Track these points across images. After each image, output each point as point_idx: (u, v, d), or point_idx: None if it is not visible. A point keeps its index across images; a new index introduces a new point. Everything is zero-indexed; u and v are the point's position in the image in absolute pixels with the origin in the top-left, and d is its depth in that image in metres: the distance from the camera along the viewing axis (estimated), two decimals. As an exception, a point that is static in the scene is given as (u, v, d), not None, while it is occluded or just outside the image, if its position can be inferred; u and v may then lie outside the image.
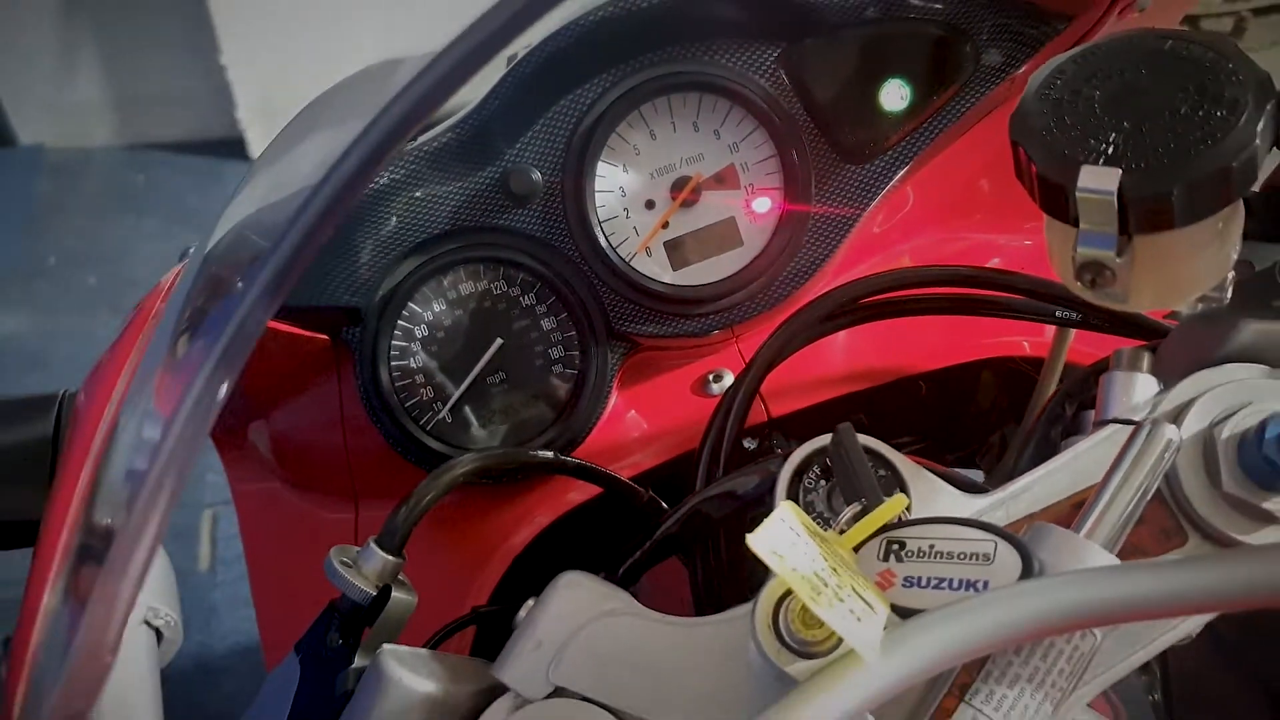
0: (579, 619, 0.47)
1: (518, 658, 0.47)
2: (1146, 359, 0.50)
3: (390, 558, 0.52)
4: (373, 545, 0.52)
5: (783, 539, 0.40)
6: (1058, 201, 0.42)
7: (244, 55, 2.77)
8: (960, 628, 0.38)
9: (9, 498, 0.52)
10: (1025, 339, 0.72)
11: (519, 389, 0.69)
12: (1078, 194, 0.40)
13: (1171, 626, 0.45)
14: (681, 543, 0.58)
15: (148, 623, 0.44)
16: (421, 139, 0.67)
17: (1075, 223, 0.42)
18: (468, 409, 0.69)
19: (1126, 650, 0.44)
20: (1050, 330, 0.68)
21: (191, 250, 0.59)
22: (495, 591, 0.68)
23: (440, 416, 0.69)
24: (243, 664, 1.93)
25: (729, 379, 0.72)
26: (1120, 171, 0.40)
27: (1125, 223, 0.41)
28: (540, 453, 0.62)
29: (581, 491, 0.69)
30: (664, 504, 0.62)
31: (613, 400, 0.71)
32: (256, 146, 2.89)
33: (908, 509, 0.48)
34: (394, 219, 0.67)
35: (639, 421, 0.72)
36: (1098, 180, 0.40)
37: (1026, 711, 0.40)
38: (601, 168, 0.68)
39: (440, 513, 0.56)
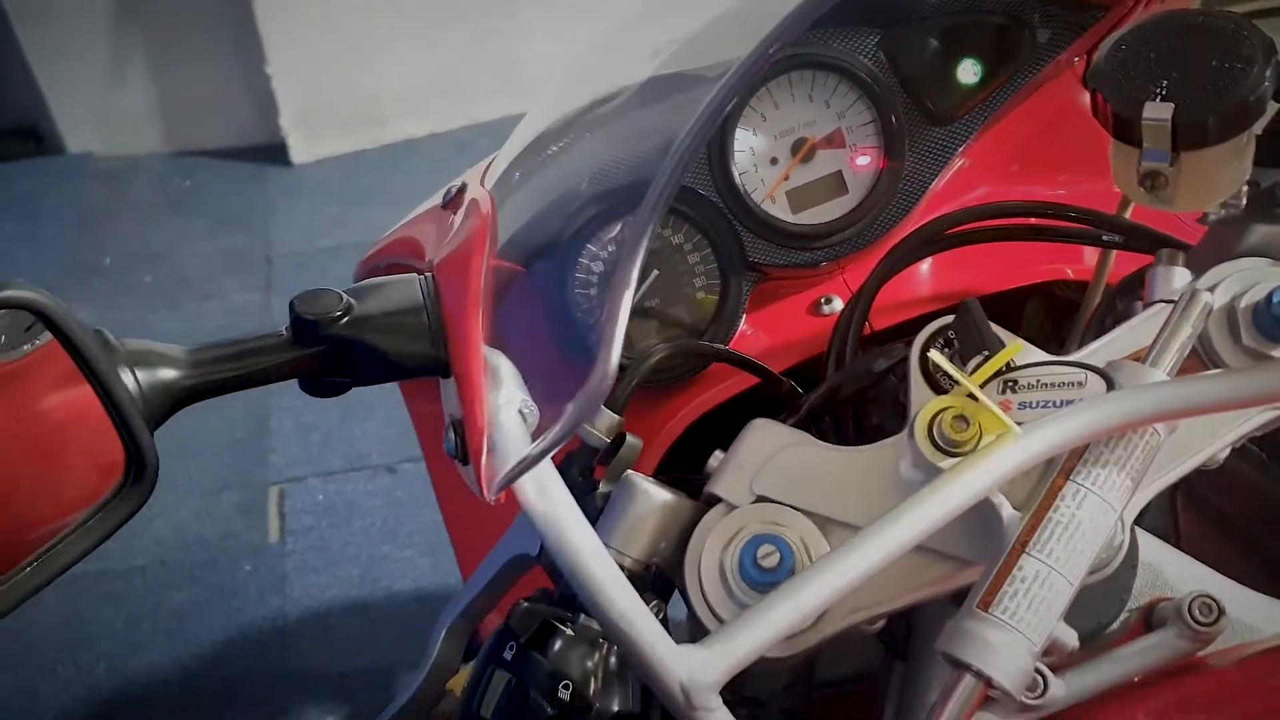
0: (773, 446, 0.64)
1: (727, 475, 0.64)
2: (1182, 256, 0.68)
3: (616, 415, 0.69)
4: (602, 407, 0.69)
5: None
6: (1127, 130, 0.59)
7: (288, 65, 2.93)
8: (1066, 424, 0.56)
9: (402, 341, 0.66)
10: (1069, 266, 0.90)
11: (672, 309, 0.87)
12: (1143, 122, 0.58)
13: (1207, 444, 0.62)
14: (822, 413, 0.76)
15: (520, 412, 0.60)
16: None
17: (1139, 144, 0.59)
18: (632, 327, 0.86)
19: (1176, 459, 0.62)
20: (1093, 257, 0.86)
21: (464, 186, 0.76)
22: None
23: None
24: (316, 626, 2.09)
25: (838, 303, 0.89)
26: (1173, 106, 0.57)
27: (1175, 143, 0.58)
28: (712, 344, 0.80)
29: (727, 388, 0.86)
30: (801, 391, 0.79)
31: (743, 323, 0.89)
32: (297, 152, 3.05)
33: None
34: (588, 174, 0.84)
35: (764, 338, 0.89)
36: (1157, 112, 0.57)
37: (1115, 487, 0.57)
38: (738, 132, 0.86)
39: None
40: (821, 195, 0.87)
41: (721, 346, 0.81)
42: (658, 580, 0.64)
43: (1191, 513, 1.01)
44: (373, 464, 2.35)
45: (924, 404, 0.59)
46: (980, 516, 0.58)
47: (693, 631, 0.62)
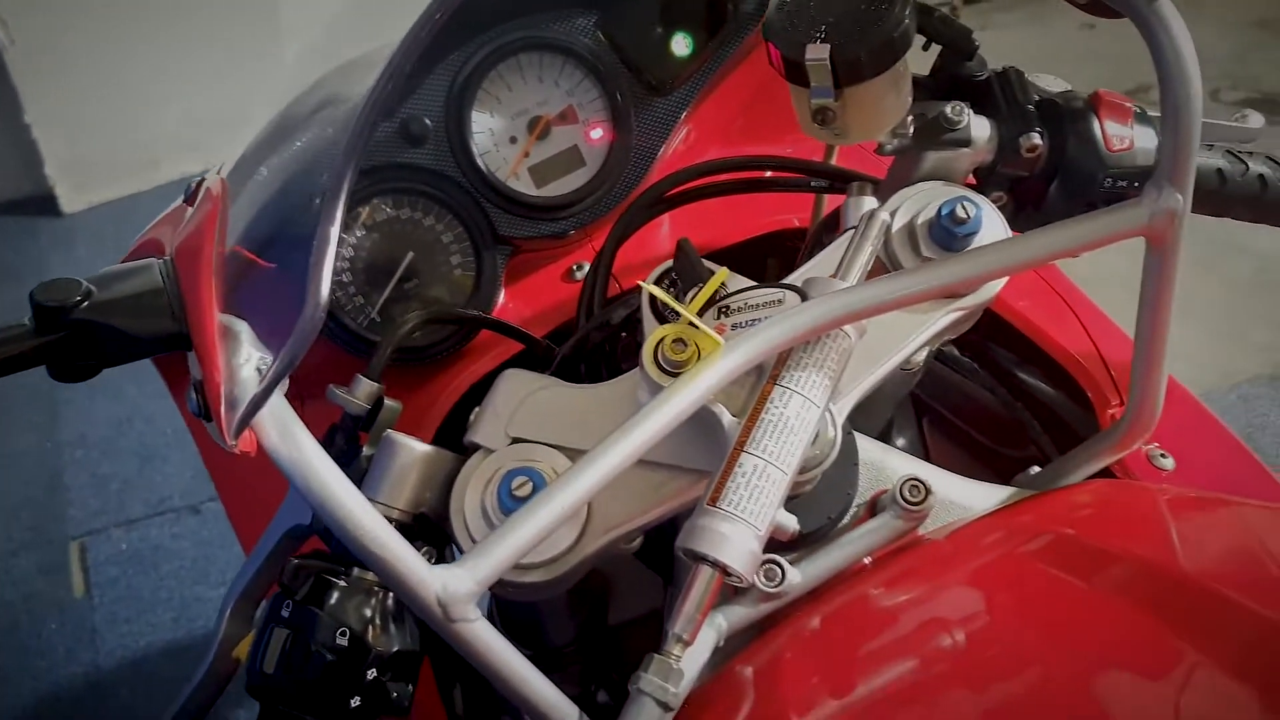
0: (524, 391, 0.70)
1: (483, 423, 0.70)
2: (870, 187, 0.77)
3: (374, 383, 0.73)
4: (359, 376, 0.73)
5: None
6: (796, 72, 0.67)
7: (49, 113, 2.84)
8: (765, 333, 0.63)
9: (144, 321, 0.69)
10: (796, 216, 0.99)
11: (430, 289, 0.91)
12: (806, 63, 0.65)
13: (899, 346, 0.71)
14: (576, 363, 0.82)
15: (258, 369, 0.64)
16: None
17: (808, 84, 0.67)
18: (394, 309, 0.91)
19: (875, 361, 0.70)
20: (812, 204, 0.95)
21: (203, 179, 0.79)
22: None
23: (372, 316, 0.90)
24: (133, 674, 2.04)
25: (589, 267, 0.96)
26: (829, 46, 0.65)
27: (837, 80, 0.66)
28: (465, 309, 0.85)
29: (493, 358, 0.91)
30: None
31: (502, 295, 0.94)
32: (67, 201, 2.96)
33: (725, 284, 0.73)
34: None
35: (525, 308, 0.95)
36: (817, 53, 0.65)
37: (815, 386, 0.64)
38: (475, 115, 0.91)
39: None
40: (561, 169, 0.93)
41: (476, 312, 0.86)
42: (428, 530, 0.68)
43: (937, 436, 1.11)
44: (175, 507, 2.30)
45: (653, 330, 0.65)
46: (708, 430, 0.65)
47: None
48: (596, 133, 0.93)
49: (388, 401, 0.72)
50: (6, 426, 2.46)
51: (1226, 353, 2.47)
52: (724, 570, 0.59)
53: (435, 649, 0.85)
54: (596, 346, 0.82)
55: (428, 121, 0.90)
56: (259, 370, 0.62)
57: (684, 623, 0.59)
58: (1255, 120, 0.87)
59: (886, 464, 0.75)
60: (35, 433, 2.46)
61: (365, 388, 0.72)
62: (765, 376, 0.65)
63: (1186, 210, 0.64)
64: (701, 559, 0.59)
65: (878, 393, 0.90)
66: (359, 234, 0.90)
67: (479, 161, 0.91)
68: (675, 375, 0.64)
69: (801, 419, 0.62)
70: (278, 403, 0.59)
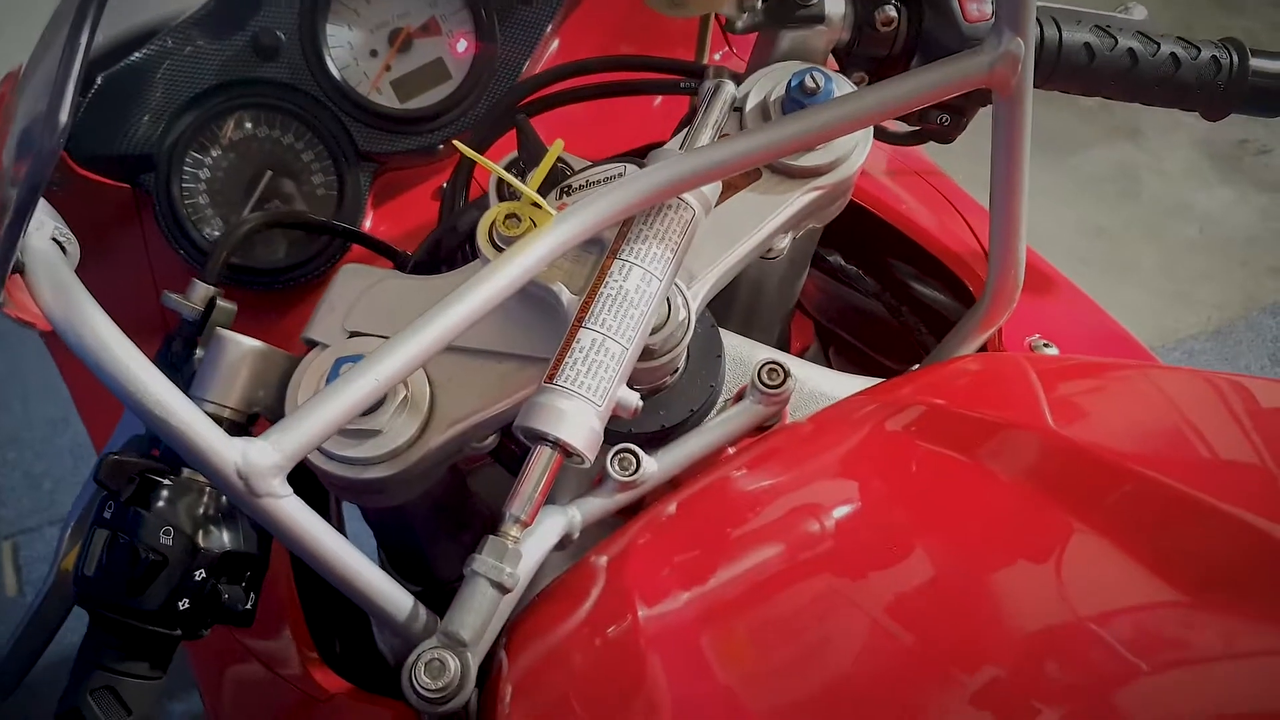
0: (362, 286, 0.67)
1: (320, 319, 0.66)
2: (727, 72, 0.74)
3: (210, 286, 0.70)
4: (194, 280, 0.70)
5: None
6: None
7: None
8: (598, 203, 0.60)
9: None
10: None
11: (294, 208, 0.88)
12: None
13: (755, 229, 0.68)
14: (432, 267, 0.79)
15: (55, 240, 0.60)
16: (187, 13, 0.85)
17: None
18: (259, 237, 0.87)
19: (730, 245, 0.67)
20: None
21: None
22: None
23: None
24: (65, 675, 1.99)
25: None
26: None
27: None
28: (315, 216, 0.82)
29: None
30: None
31: (369, 216, 0.91)
32: None
33: (569, 165, 0.70)
34: (170, 77, 0.85)
35: (395, 227, 0.92)
36: None
37: (656, 259, 0.62)
38: (331, 29, 0.88)
39: (245, 323, 0.72)
40: (426, 82, 0.90)
41: (324, 219, 0.83)
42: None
43: (839, 357, 1.09)
44: (111, 503, 2.26)
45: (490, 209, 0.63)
46: (552, 316, 0.62)
47: None
48: (461, 44, 0.91)
49: (221, 303, 0.69)
50: (-66, 432, 2.42)
51: (1171, 311, 2.46)
52: (564, 449, 0.56)
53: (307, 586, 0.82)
54: (451, 252, 0.79)
55: (280, 35, 0.87)
56: (56, 241, 0.58)
57: (521, 503, 0.56)
58: (1139, 12, 0.85)
59: (754, 357, 0.73)
60: (-34, 436, 2.41)
61: (200, 291, 0.69)
62: (606, 249, 0.62)
63: (1029, 57, 0.62)
64: (540, 438, 0.56)
65: (759, 298, 0.88)
66: (215, 153, 0.87)
67: (336, 75, 0.88)
68: None
69: (642, 292, 0.60)
70: (53, 259, 0.55)
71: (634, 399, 0.60)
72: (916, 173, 0.95)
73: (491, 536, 0.57)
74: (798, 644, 0.50)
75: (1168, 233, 2.58)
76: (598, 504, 0.66)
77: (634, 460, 0.65)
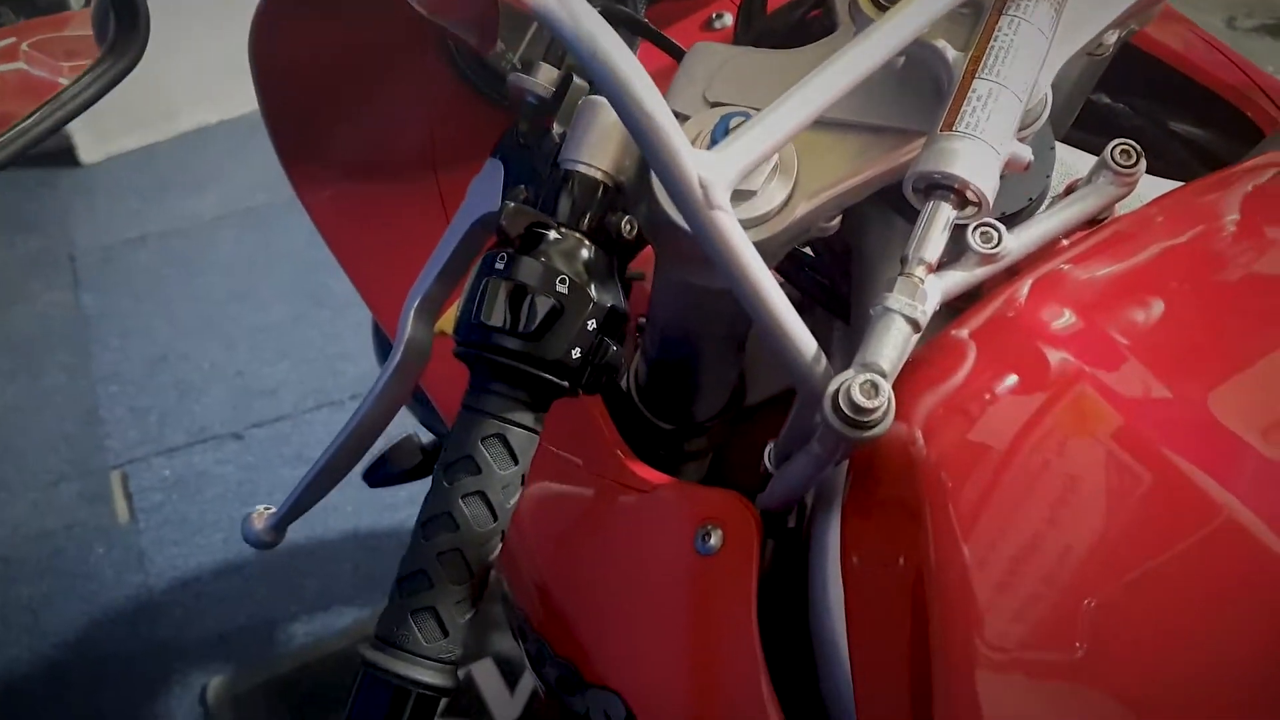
0: (720, 59, 0.68)
1: (679, 90, 0.66)
2: None
3: (554, 67, 0.71)
4: (538, 62, 0.71)
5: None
6: None
7: (64, 59, 2.81)
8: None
9: None
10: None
11: None
12: None
13: (1103, 17, 0.68)
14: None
15: None
16: None
17: None
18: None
19: (1073, 31, 0.68)
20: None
21: None
22: None
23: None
24: (185, 594, 2.02)
25: (728, 18, 0.94)
26: None
27: None
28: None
29: None
30: None
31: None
32: (86, 151, 2.93)
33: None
34: None
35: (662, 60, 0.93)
36: None
37: (1043, 15, 0.59)
38: None
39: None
40: None
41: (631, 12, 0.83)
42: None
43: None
44: (217, 434, 2.27)
45: None
46: (924, 82, 0.63)
47: None
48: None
49: (577, 80, 0.70)
50: (36, 368, 2.43)
51: None
52: (962, 194, 0.57)
53: None
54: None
55: None
56: None
57: (926, 246, 0.57)
58: None
59: (1074, 157, 0.74)
60: (66, 373, 2.43)
61: (546, 72, 0.71)
62: (986, 12, 0.63)
63: None
64: (937, 185, 0.56)
65: (1067, 92, 0.87)
66: None
67: None
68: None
69: (1031, 47, 0.60)
70: None
71: (1026, 154, 0.60)
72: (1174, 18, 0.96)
73: (900, 276, 0.58)
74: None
75: None
76: (959, 277, 0.66)
77: (995, 234, 0.67)
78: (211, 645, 1.93)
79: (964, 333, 0.64)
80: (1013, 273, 0.69)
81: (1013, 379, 0.61)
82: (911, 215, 0.59)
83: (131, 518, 2.14)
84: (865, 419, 0.55)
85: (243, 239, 2.70)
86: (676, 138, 0.53)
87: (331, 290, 2.44)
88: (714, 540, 0.71)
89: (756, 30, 0.78)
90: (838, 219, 0.69)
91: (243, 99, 2.98)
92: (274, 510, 0.76)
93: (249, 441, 2.25)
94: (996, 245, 0.66)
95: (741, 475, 0.90)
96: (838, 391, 0.56)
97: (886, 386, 0.55)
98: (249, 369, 2.39)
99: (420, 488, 0.65)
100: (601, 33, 0.53)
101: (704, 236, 0.55)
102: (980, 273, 0.67)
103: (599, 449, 0.78)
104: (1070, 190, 0.72)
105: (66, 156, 2.92)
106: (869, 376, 0.55)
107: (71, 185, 2.90)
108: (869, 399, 0.55)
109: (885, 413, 0.55)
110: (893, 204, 0.73)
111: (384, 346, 1.29)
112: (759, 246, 0.64)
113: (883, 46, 0.59)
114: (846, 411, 0.55)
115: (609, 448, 0.77)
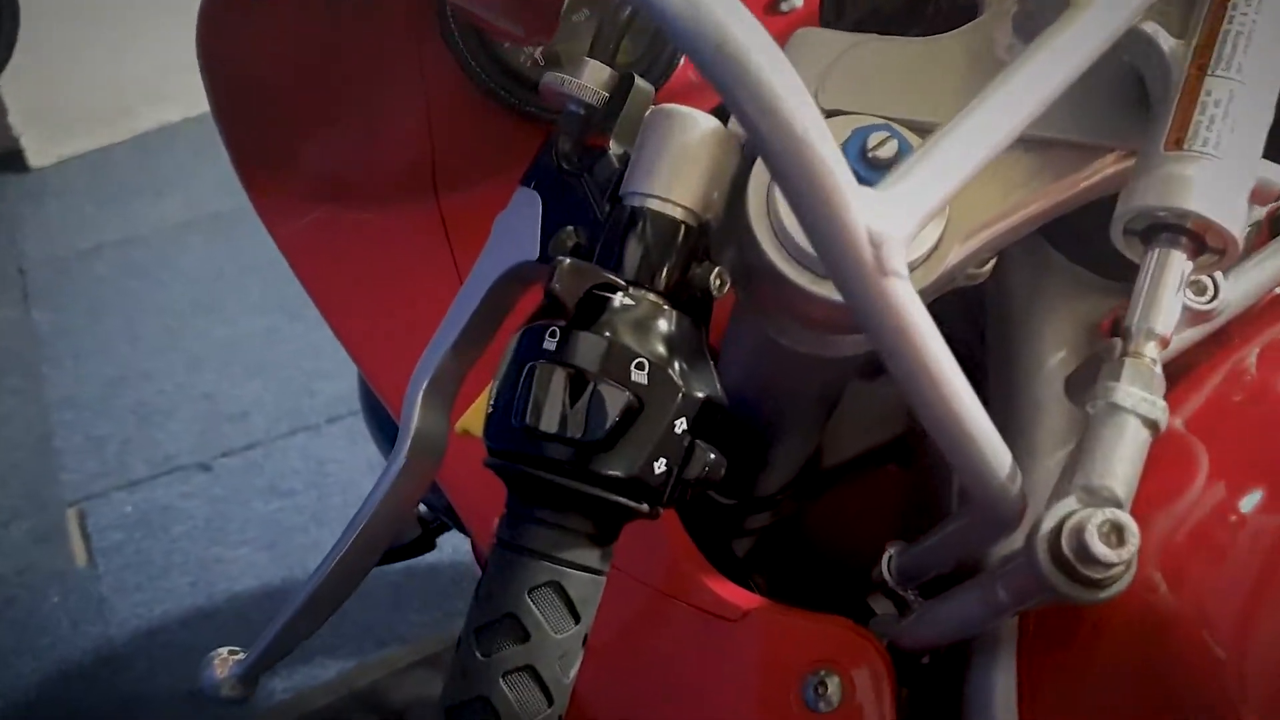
0: (832, 52, 0.50)
1: None
2: None
3: (606, 65, 0.53)
4: (586, 60, 0.53)
5: None
6: None
7: (11, 62, 2.60)
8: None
9: None
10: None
11: None
12: None
13: None
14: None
15: None
16: None
17: None
18: None
19: None
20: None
21: None
22: None
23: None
24: (149, 644, 1.84)
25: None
26: None
27: None
28: None
29: None
30: None
31: None
32: (35, 155, 2.74)
33: None
34: None
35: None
36: None
37: None
38: None
39: None
40: None
41: None
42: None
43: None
44: (183, 464, 2.08)
45: None
46: (1118, 79, 0.46)
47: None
48: None
49: (639, 82, 0.52)
50: (-18, 394, 2.24)
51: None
52: (1200, 237, 0.40)
53: None
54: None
55: None
56: None
57: (1158, 312, 0.41)
58: None
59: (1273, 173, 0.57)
60: (16, 398, 2.23)
61: (595, 71, 0.52)
62: None
63: None
64: (1165, 227, 0.41)
65: None
66: None
67: None
68: None
69: (1277, 31, 0.44)
70: None
71: (1278, 177, 0.44)
72: None
73: (1128, 359, 0.41)
74: None
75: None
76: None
77: (1210, 285, 0.50)
78: (180, 702, 1.76)
79: (1180, 423, 0.47)
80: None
81: (1261, 492, 0.44)
82: (1071, 248, 0.49)
83: (90, 560, 1.96)
84: (1101, 575, 0.37)
85: (209, 247, 2.50)
86: (840, 173, 0.35)
87: (306, 301, 2.23)
88: (830, 690, 0.53)
89: (860, 10, 0.60)
90: (991, 263, 0.52)
91: (203, 97, 2.79)
92: (242, 655, 0.58)
93: (218, 472, 2.06)
94: (1213, 299, 0.49)
95: (796, 559, 0.73)
96: (1059, 530, 0.38)
97: (1134, 530, 0.37)
98: (217, 390, 2.20)
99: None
100: (729, 11, 0.35)
101: (868, 310, 0.37)
102: (1190, 335, 0.50)
103: (663, 559, 0.60)
104: (1274, 216, 0.55)
105: (14, 160, 2.72)
106: (1110, 515, 0.38)
107: (19, 192, 2.69)
108: (1111, 547, 0.37)
109: (1129, 567, 0.38)
110: (1045, 232, 0.55)
111: (374, 413, 1.09)
112: None
113: (1094, 37, 0.42)
114: (1073, 561, 0.37)
115: (679, 559, 0.59)
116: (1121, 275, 0.55)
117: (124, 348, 2.30)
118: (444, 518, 1.11)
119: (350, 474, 2.00)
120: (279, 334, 2.27)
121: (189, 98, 2.78)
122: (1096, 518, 0.38)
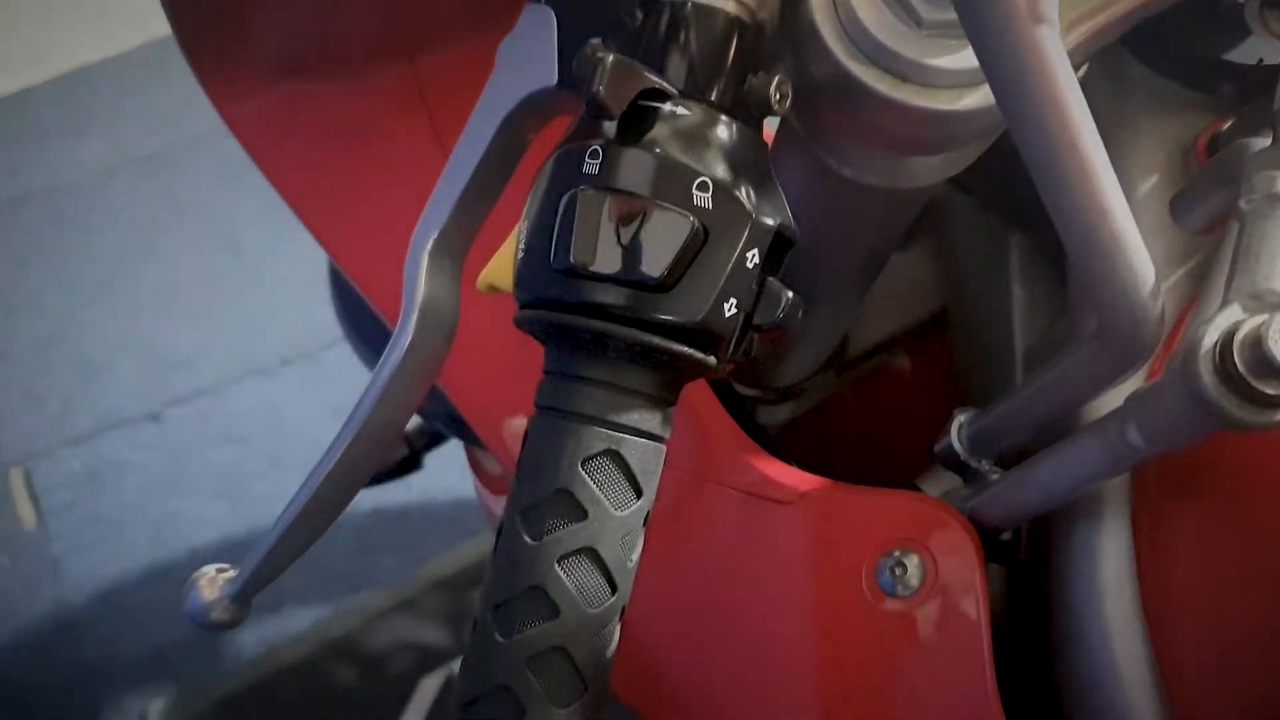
0: None
1: None
2: None
3: None
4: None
5: None
6: None
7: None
8: None
9: None
10: None
11: None
12: None
13: None
14: None
15: None
16: None
17: None
18: None
19: None
20: None
21: None
22: None
23: None
24: (108, 606, 1.75)
25: None
26: None
27: None
28: None
29: None
30: None
31: None
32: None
33: None
34: None
35: None
36: None
37: None
38: None
39: None
40: None
41: None
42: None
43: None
44: (130, 416, 1.98)
45: None
46: None
47: None
48: None
49: None
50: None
51: None
52: None
53: None
54: None
55: None
56: None
57: None
58: None
59: None
60: (-53, 357, 2.11)
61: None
62: None
63: None
64: None
65: None
66: None
67: None
68: None
69: None
70: None
71: None
72: None
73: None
74: None
75: None
76: None
77: None
78: (147, 664, 1.68)
79: None
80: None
81: None
82: (1156, 56, 0.43)
83: (39, 521, 1.87)
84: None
85: (139, 189, 2.38)
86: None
87: (247, 237, 2.13)
88: (910, 572, 0.47)
89: None
90: (1084, 69, 0.45)
91: (130, 31, 2.65)
92: (232, 573, 0.50)
93: (167, 422, 1.97)
94: None
95: (821, 452, 0.67)
96: (1227, 342, 0.32)
97: None
98: (159, 337, 2.09)
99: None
100: None
101: (1013, 66, 0.30)
102: None
103: (701, 439, 0.53)
104: None
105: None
106: None
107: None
108: None
109: None
110: (1126, 41, 0.49)
111: (350, 314, 1.01)
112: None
113: None
114: (1247, 377, 0.31)
115: (721, 438, 0.52)
116: (1211, 86, 0.48)
117: (57, 299, 2.19)
118: (438, 424, 1.03)
119: (306, 417, 1.91)
120: (220, 274, 2.17)
121: (109, 36, 2.67)
122: (1276, 323, 0.32)
